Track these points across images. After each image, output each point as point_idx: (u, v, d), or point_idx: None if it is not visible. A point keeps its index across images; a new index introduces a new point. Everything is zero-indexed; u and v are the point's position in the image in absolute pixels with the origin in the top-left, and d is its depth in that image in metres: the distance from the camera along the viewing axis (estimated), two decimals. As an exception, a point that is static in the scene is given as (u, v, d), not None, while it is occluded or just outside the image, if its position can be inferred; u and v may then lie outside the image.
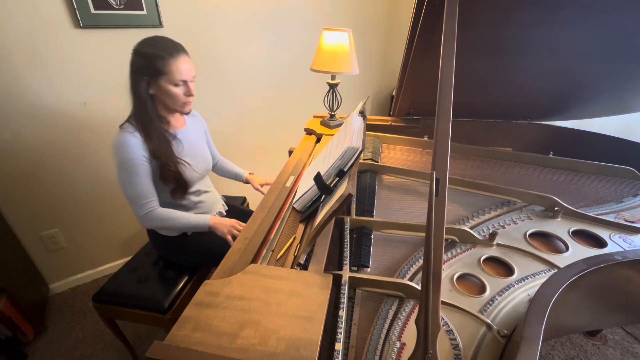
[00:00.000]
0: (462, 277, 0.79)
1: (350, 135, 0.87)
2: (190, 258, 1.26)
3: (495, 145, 1.46)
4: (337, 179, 0.82)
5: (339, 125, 1.50)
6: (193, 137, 1.22)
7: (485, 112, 1.51)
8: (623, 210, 1.05)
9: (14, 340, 1.41)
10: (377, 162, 1.23)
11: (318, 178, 0.84)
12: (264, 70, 1.99)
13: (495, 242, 0.88)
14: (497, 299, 0.72)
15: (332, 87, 1.48)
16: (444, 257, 0.84)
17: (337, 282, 0.69)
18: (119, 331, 1.28)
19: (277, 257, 0.76)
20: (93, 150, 1.60)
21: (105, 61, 1.47)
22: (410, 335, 0.63)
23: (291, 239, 0.81)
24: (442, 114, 0.62)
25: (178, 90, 1.04)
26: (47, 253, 1.67)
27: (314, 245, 0.75)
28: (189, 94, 1.07)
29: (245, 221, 0.94)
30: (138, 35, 1.48)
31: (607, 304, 0.84)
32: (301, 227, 0.86)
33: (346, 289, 0.67)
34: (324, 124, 1.53)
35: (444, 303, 0.70)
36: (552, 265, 0.82)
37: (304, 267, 0.71)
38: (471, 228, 0.92)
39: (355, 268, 0.79)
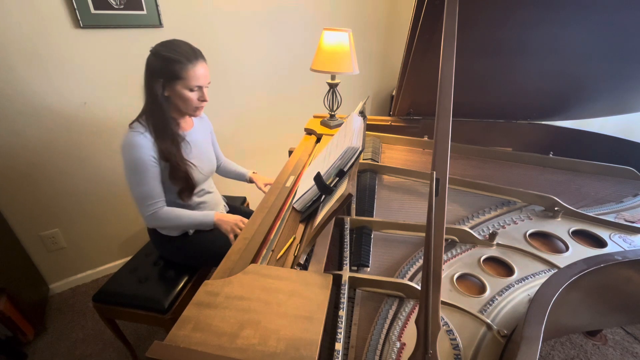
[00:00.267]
0: (462, 277, 0.79)
1: (350, 135, 0.87)
2: (190, 258, 1.26)
3: (495, 145, 1.46)
4: (337, 179, 0.82)
5: (339, 125, 1.50)
6: (200, 139, 1.23)
7: (485, 112, 1.51)
8: (623, 210, 1.05)
9: (14, 340, 1.41)
10: (377, 162, 1.23)
11: (318, 178, 0.84)
12: (264, 70, 1.99)
13: (495, 242, 0.88)
14: (497, 299, 0.72)
15: (332, 87, 1.48)
16: (444, 257, 0.84)
17: (337, 282, 0.69)
18: (119, 331, 1.28)
19: (277, 257, 0.76)
20: (93, 151, 1.60)
21: (105, 61, 1.47)
22: (410, 335, 0.63)
23: (291, 239, 0.81)
24: (442, 114, 0.62)
25: (192, 95, 1.05)
26: (47, 253, 1.67)
27: (314, 245, 0.75)
28: (202, 99, 1.07)
29: (246, 221, 0.94)
30: (138, 35, 1.50)
31: (607, 304, 0.84)
32: (301, 227, 0.86)
33: (346, 289, 0.67)
34: (324, 124, 1.53)
35: (444, 303, 0.70)
36: (552, 265, 0.82)
37: (304, 267, 0.71)
38: (471, 228, 0.92)
39: (355, 268, 0.79)
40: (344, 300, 0.64)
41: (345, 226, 0.87)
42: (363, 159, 1.21)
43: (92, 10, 1.36)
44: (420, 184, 1.14)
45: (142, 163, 1.02)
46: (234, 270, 0.71)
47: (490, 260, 0.85)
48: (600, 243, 0.91)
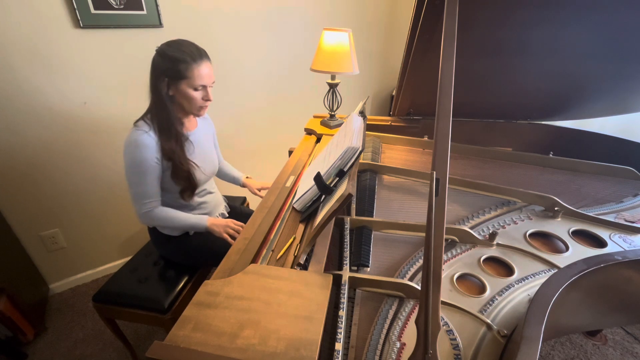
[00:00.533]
0: (462, 277, 0.79)
1: (350, 135, 0.87)
2: (190, 258, 1.26)
3: (495, 145, 1.46)
4: (337, 179, 0.82)
5: (339, 125, 1.50)
6: (203, 139, 1.23)
7: (485, 112, 1.51)
8: (623, 210, 1.05)
9: (14, 340, 1.41)
10: (377, 162, 1.23)
11: (318, 178, 0.84)
12: (264, 71, 1.99)
13: (495, 242, 0.88)
14: (497, 299, 0.72)
15: (332, 87, 1.48)
16: (444, 257, 0.84)
17: (337, 282, 0.69)
18: (119, 331, 1.28)
19: (277, 257, 0.76)
20: (93, 150, 1.60)
21: (105, 61, 1.47)
22: (410, 335, 0.63)
23: (291, 239, 0.81)
24: (442, 114, 0.62)
25: (197, 95, 1.05)
26: (47, 253, 1.67)
27: (314, 245, 0.75)
28: (206, 98, 1.08)
29: (245, 221, 0.94)
30: (138, 35, 1.50)
31: (607, 304, 0.84)
32: (301, 227, 0.86)
33: (346, 289, 0.67)
34: (324, 124, 1.53)
35: (444, 303, 0.70)
36: (552, 265, 0.82)
37: (304, 267, 0.71)
38: (471, 228, 0.92)
39: (355, 268, 0.79)
40: (344, 300, 0.64)
41: (345, 226, 0.87)
42: (363, 159, 1.21)
43: (92, 10, 1.36)
44: (420, 184, 1.14)
45: (144, 163, 1.03)
46: (234, 270, 0.71)
47: (490, 260, 0.85)
48: (600, 243, 0.91)
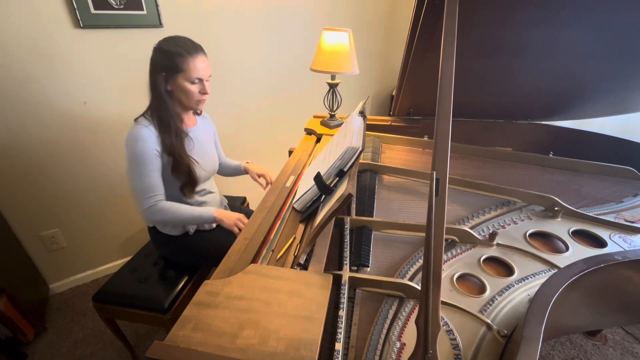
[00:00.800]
0: (462, 277, 0.79)
1: (350, 135, 0.87)
2: (190, 258, 1.26)
3: (495, 145, 1.46)
4: (337, 179, 0.82)
5: (339, 125, 1.50)
6: (203, 137, 1.24)
7: (485, 112, 1.51)
8: (623, 210, 1.05)
9: (14, 340, 1.41)
10: (377, 162, 1.23)
11: (318, 178, 0.84)
12: (264, 70, 1.99)
13: (495, 242, 0.88)
14: (497, 299, 0.72)
15: (332, 87, 1.48)
16: (444, 257, 0.84)
17: (337, 282, 0.69)
18: (118, 331, 1.28)
19: (277, 257, 0.76)
20: (93, 150, 1.60)
21: (105, 61, 1.47)
22: (410, 335, 0.63)
23: (291, 239, 0.81)
24: (442, 114, 0.62)
25: (194, 88, 1.07)
26: (47, 253, 1.67)
27: (314, 245, 0.75)
28: (203, 92, 1.10)
29: (245, 221, 0.94)
30: (138, 35, 1.50)
31: (607, 304, 0.84)
32: (301, 227, 0.86)
33: (346, 289, 0.67)
34: (324, 124, 1.53)
35: (444, 303, 0.70)
36: (552, 265, 0.82)
37: (304, 267, 0.71)
38: (471, 228, 0.92)
39: (355, 268, 0.79)
40: (344, 300, 0.64)
41: (345, 226, 0.87)
42: (363, 159, 1.21)
43: (92, 10, 1.36)
44: (420, 184, 1.14)
45: (145, 155, 1.04)
46: (234, 270, 0.71)
47: (490, 260, 0.85)
48: (600, 243, 0.91)
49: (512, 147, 1.50)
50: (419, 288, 0.68)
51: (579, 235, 0.94)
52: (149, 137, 1.04)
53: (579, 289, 0.71)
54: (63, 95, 1.44)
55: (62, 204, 1.62)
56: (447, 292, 0.74)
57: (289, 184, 1.06)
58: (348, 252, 0.78)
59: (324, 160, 0.94)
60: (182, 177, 1.12)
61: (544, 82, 1.31)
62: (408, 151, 1.39)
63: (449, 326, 0.65)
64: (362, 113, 1.09)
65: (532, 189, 1.06)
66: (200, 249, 1.23)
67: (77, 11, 1.33)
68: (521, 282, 0.77)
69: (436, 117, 0.62)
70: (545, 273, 0.80)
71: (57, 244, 1.68)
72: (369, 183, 1.11)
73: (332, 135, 1.35)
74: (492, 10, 1.01)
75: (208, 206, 1.27)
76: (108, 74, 1.50)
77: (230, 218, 1.16)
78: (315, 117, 1.64)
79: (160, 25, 1.53)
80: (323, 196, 0.86)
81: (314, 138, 1.45)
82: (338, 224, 0.90)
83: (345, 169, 0.81)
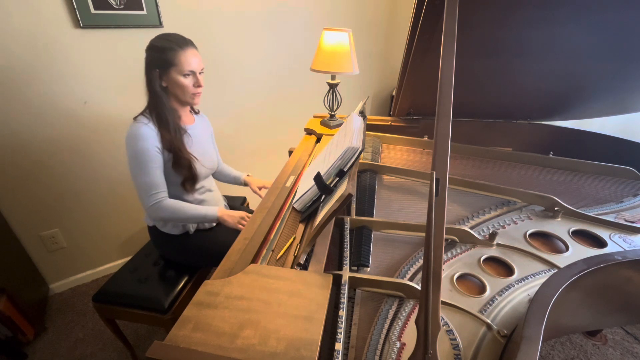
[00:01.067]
0: (462, 277, 0.79)
1: (350, 135, 0.87)
2: (190, 257, 1.26)
3: (495, 145, 1.46)
4: (337, 179, 0.82)
5: (339, 125, 1.50)
6: (201, 135, 1.25)
7: (485, 112, 1.51)
8: (623, 210, 1.05)
9: (14, 340, 1.41)
10: (377, 162, 1.23)
11: (318, 178, 0.84)
12: (264, 70, 1.99)
13: (495, 242, 0.88)
14: (497, 299, 0.72)
15: (332, 87, 1.48)
16: (444, 257, 0.84)
17: (337, 282, 0.69)
18: (119, 331, 1.28)
19: (277, 257, 0.76)
20: (93, 150, 1.60)
21: (105, 61, 1.47)
22: (410, 335, 0.63)
23: (291, 239, 0.81)
24: (442, 114, 0.62)
25: (187, 81, 1.08)
26: (47, 253, 1.67)
27: (314, 245, 0.75)
28: (197, 84, 1.11)
29: (245, 221, 0.94)
30: (138, 35, 1.50)
31: (607, 304, 0.84)
32: (301, 227, 0.86)
33: (346, 289, 0.67)
34: (324, 124, 1.53)
35: (444, 303, 0.70)
36: (552, 265, 0.82)
37: (304, 267, 0.71)
38: (471, 228, 0.92)
39: (355, 268, 0.79)
40: (344, 300, 0.64)
41: (345, 226, 0.87)
42: (363, 159, 1.21)
43: (92, 10, 1.36)
44: (420, 184, 1.14)
45: (146, 152, 1.04)
46: (234, 270, 0.71)
47: (490, 260, 0.85)
48: (600, 243, 0.91)
49: (512, 147, 1.49)
50: (419, 288, 0.68)
51: (579, 235, 0.94)
52: (149, 135, 1.05)
53: (579, 289, 0.70)
54: (63, 95, 1.44)
55: (62, 203, 1.62)
56: (447, 292, 0.74)
57: (289, 184, 1.06)
58: (348, 252, 0.78)
59: (324, 160, 0.94)
60: (183, 171, 1.13)
61: (544, 82, 1.31)
62: (408, 151, 1.39)
63: (449, 326, 0.65)
64: (362, 113, 1.09)
65: (532, 189, 1.06)
66: (200, 249, 1.24)
67: (77, 11, 1.33)
68: (521, 282, 0.77)
69: (436, 117, 0.62)
70: (545, 273, 0.80)
71: (57, 243, 1.68)
72: (369, 183, 1.11)
73: (332, 135, 1.35)
74: (492, 10, 1.01)
75: (207, 204, 1.27)
76: (108, 74, 1.50)
77: (234, 217, 1.18)
78: (315, 117, 1.64)
79: (160, 25, 1.53)
80: (323, 196, 0.86)
81: (314, 138, 1.45)
82: (338, 224, 0.90)
83: (345, 169, 0.81)
